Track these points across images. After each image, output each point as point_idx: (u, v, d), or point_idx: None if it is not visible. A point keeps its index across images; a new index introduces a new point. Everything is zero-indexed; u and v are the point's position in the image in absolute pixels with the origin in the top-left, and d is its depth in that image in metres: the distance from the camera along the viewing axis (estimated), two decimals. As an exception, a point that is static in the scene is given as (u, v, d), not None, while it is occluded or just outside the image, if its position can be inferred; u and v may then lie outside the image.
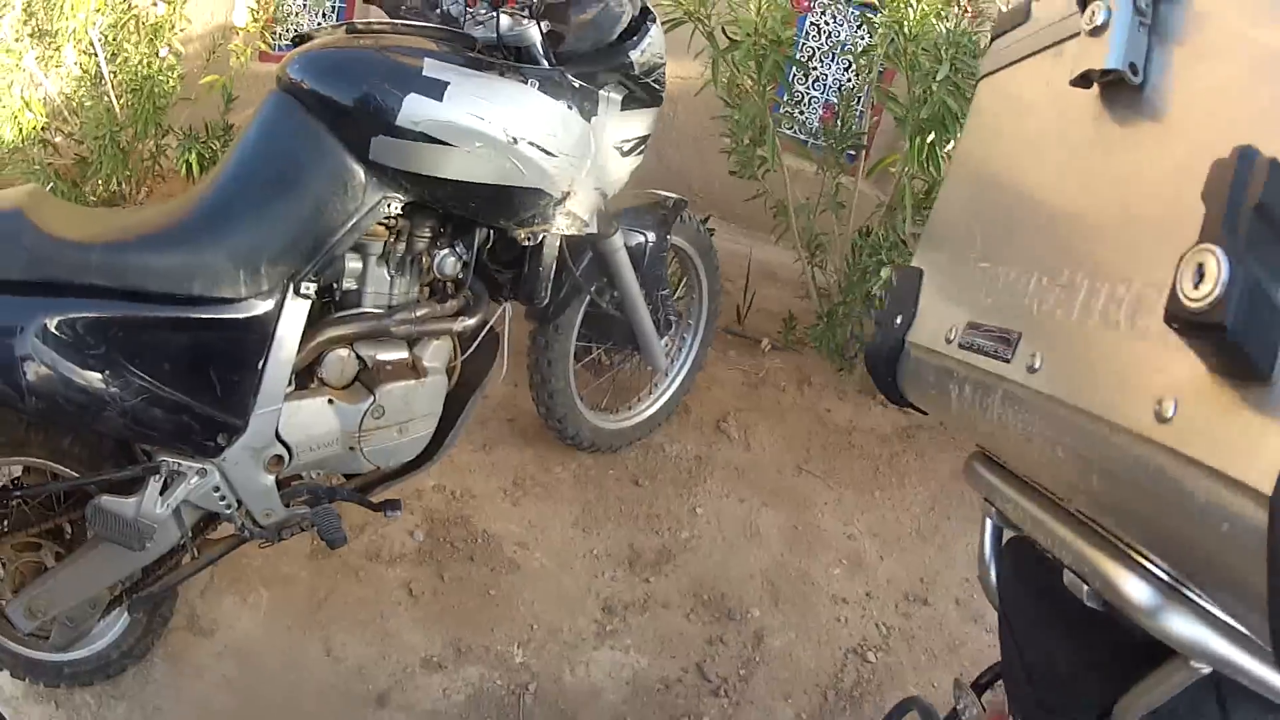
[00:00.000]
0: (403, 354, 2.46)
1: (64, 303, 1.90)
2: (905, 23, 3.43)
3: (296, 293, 2.16)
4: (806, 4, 3.75)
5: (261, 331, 2.12)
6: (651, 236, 3.05)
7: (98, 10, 4.28)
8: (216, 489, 2.17)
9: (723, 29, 3.62)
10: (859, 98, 4.58)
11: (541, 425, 3.34)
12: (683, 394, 3.66)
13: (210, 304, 2.04)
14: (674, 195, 3.19)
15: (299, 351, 2.20)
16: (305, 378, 2.32)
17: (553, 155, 2.37)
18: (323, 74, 2.22)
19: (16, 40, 4.16)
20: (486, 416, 3.55)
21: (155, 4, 4.46)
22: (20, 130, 4.21)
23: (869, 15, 3.87)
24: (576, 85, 2.43)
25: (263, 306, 2.11)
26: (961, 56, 3.29)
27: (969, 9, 3.48)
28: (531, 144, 2.31)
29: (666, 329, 3.24)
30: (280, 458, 2.23)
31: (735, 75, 3.69)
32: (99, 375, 1.93)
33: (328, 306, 2.40)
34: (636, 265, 3.01)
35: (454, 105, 2.21)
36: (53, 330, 1.87)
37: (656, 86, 2.63)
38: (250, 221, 2.13)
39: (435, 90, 2.21)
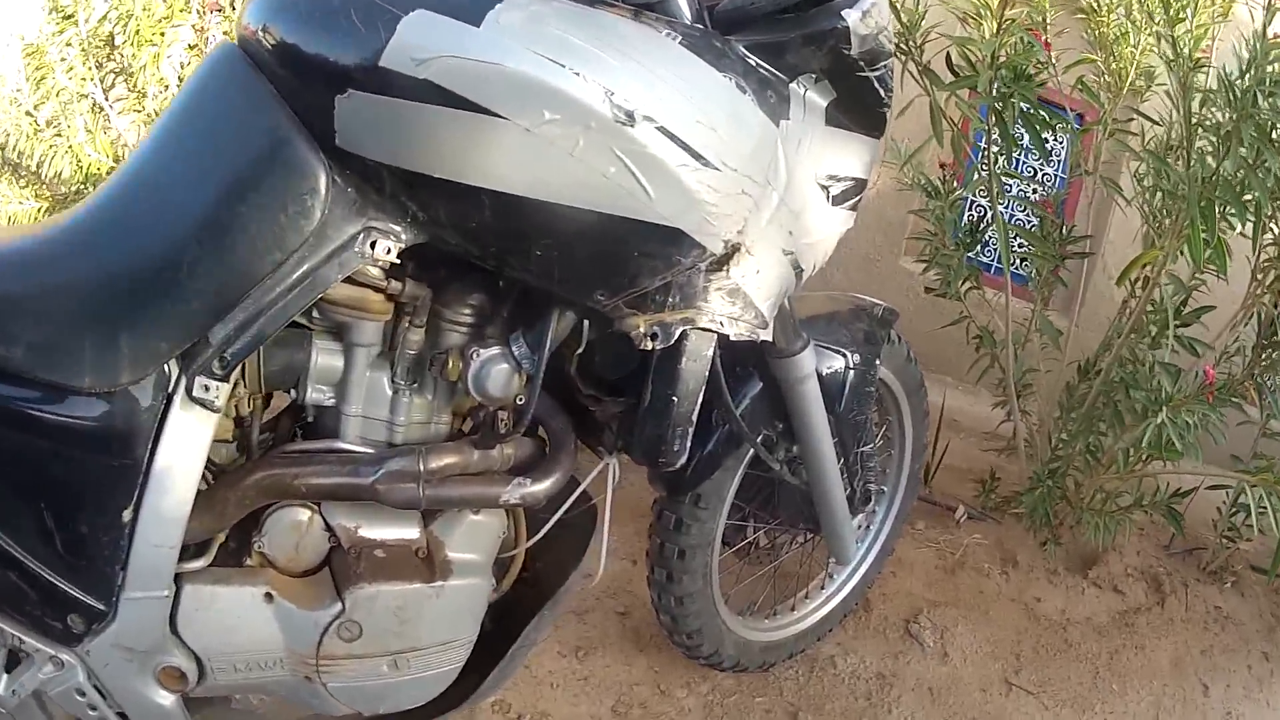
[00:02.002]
0: (408, 531, 1.20)
1: None
2: (1180, 41, 1.95)
3: (190, 393, 1.03)
4: (1047, 41, 2.23)
5: (123, 455, 1.02)
6: (854, 360, 1.61)
7: (189, 53, 3.25)
8: (81, 693, 1.12)
9: (947, 59, 2.13)
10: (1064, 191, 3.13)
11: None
12: (865, 588, 2.17)
13: (33, 390, 1.00)
14: (881, 302, 1.74)
15: (218, 501, 1.11)
16: (240, 547, 1.18)
17: (708, 164, 0.95)
18: (287, 7, 1.02)
19: (83, 63, 3.20)
20: (587, 605, 2.15)
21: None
22: (81, 169, 3.19)
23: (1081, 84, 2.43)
24: (751, 61, 1.09)
25: (124, 410, 1.02)
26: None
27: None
28: (664, 132, 0.91)
29: (863, 503, 1.78)
30: (181, 673, 1.14)
31: (957, 136, 2.20)
32: None
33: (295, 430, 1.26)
34: (830, 404, 1.61)
35: (504, 35, 0.95)
36: None
37: (880, 93, 1.22)
38: (114, 250, 1.04)
39: (468, 9, 0.94)
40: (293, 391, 1.16)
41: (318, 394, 1.16)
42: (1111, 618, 2.69)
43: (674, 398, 1.16)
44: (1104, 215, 3.66)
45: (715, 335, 1.14)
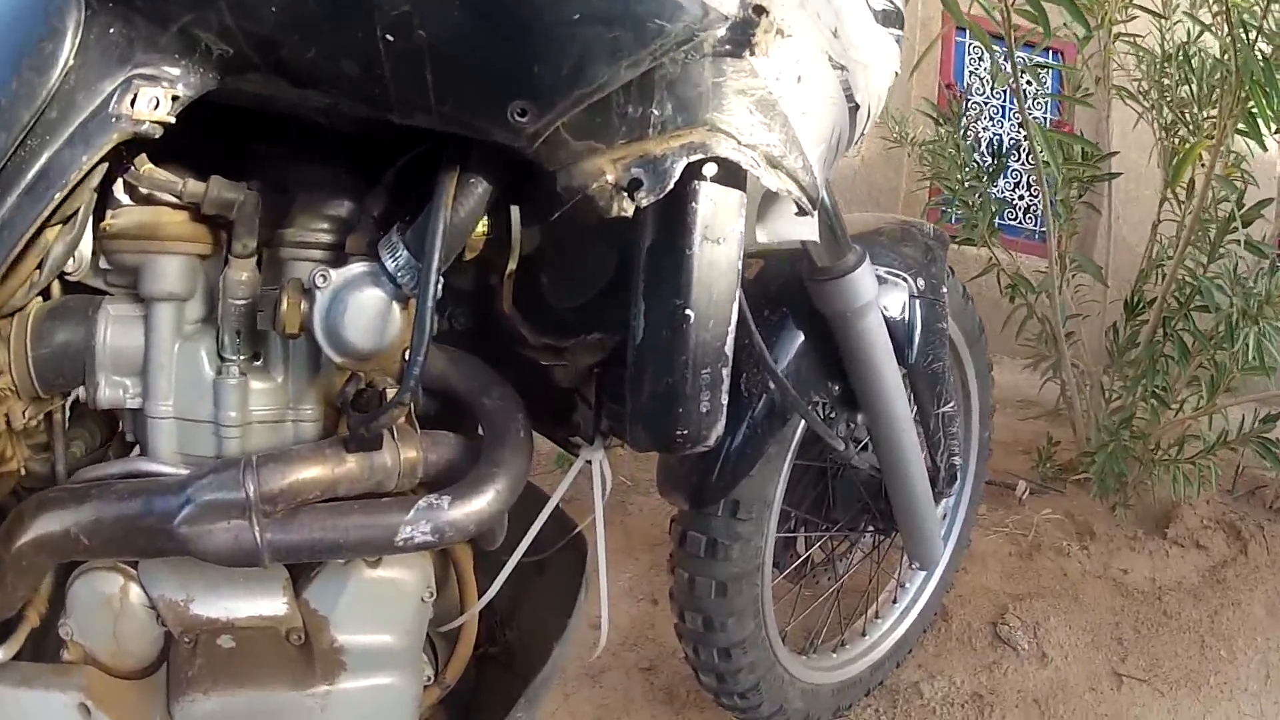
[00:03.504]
0: (268, 603, 0.65)
1: None
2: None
3: None
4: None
5: None
6: (919, 286, 1.10)
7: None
8: None
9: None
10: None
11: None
12: (944, 592, 1.61)
13: None
14: (928, 222, 1.21)
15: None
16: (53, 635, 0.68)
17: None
18: None
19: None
20: (602, 664, 1.63)
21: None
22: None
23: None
24: None
25: None
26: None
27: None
28: None
29: (948, 484, 1.23)
30: None
31: (978, 29, 1.70)
32: None
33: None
34: (899, 351, 1.06)
35: None
36: None
37: None
38: None
39: None
40: (81, 391, 0.66)
41: (114, 390, 0.66)
42: (1202, 577, 2.30)
43: (688, 312, 0.61)
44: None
45: (743, 195, 0.60)
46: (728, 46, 0.54)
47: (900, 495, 1.16)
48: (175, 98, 0.55)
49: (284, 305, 0.59)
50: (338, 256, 0.64)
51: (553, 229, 0.64)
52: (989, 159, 2.08)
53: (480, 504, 0.61)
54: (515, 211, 0.62)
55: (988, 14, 1.86)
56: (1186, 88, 2.14)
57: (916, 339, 1.09)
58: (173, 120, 0.55)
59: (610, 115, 0.53)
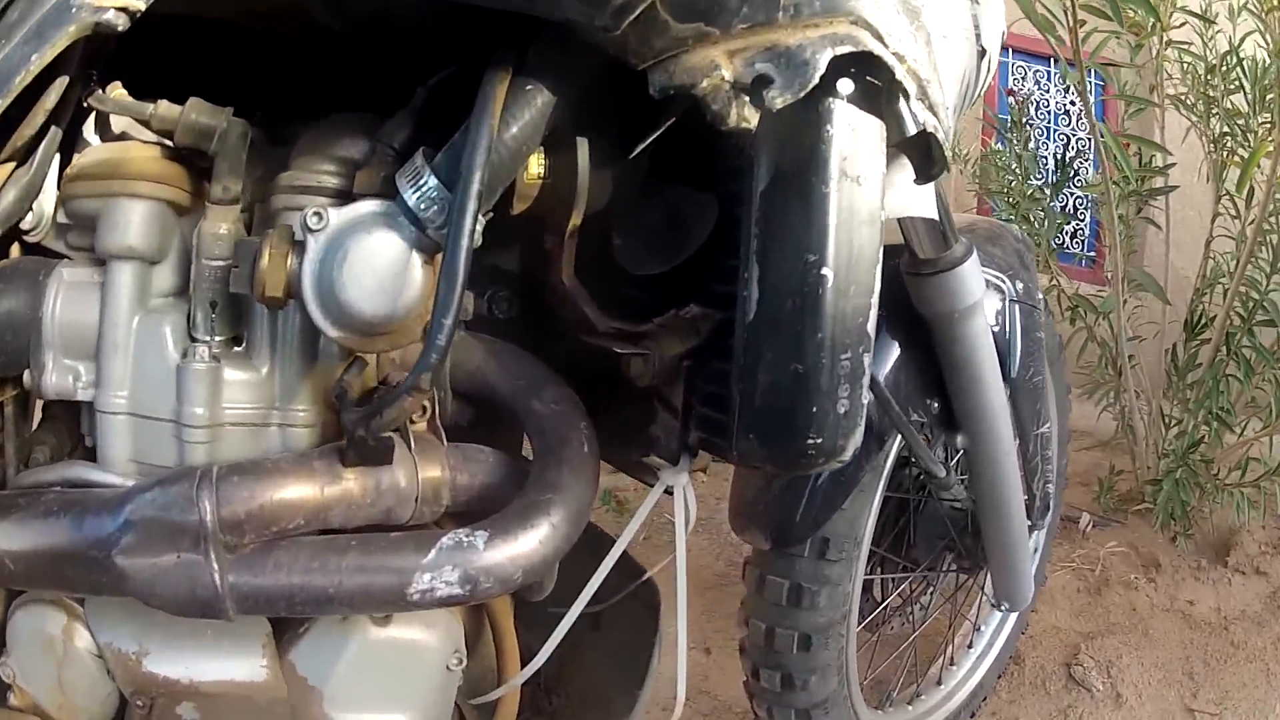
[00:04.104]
0: (243, 662, 0.43)
1: None
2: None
3: None
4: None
5: None
6: (1017, 290, 0.91)
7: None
8: None
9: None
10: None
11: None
12: (1020, 634, 1.43)
13: None
14: (1010, 226, 1.03)
15: None
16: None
17: None
18: None
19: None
20: (650, 718, 1.38)
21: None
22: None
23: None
24: None
25: None
26: None
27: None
28: None
29: (1042, 515, 1.04)
30: None
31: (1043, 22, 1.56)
32: None
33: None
34: (1000, 362, 0.85)
35: None
36: None
37: None
38: None
39: None
40: (27, 376, 0.51)
41: (62, 376, 0.50)
42: (1264, 604, 2.21)
43: (824, 272, 0.42)
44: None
45: (884, 127, 0.43)
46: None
47: (994, 527, 0.98)
48: None
49: (264, 258, 0.42)
50: (345, 203, 0.48)
51: (631, 169, 0.46)
52: (1051, 171, 1.92)
53: (528, 544, 0.43)
54: (583, 146, 0.45)
55: (1050, 14, 1.72)
56: (1235, 96, 2.00)
57: (1017, 349, 0.91)
58: (143, 6, 0.39)
59: None
